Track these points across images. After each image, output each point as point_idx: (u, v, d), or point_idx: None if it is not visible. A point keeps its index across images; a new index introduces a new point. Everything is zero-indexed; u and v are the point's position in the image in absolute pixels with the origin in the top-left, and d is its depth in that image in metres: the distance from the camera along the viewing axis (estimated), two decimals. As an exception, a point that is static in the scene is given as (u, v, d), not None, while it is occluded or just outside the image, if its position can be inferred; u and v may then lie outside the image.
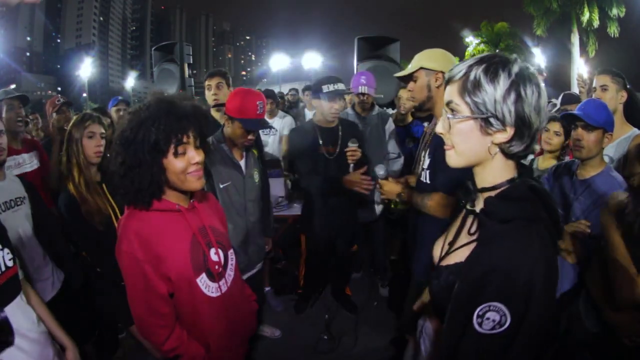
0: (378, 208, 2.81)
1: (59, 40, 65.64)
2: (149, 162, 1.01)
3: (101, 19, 71.17)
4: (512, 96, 0.70)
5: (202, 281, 1.10)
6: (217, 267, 1.14)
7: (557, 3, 17.74)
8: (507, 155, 0.75)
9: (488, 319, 0.68)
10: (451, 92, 0.76)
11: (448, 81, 0.78)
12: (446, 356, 0.76)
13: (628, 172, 1.55)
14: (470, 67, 0.73)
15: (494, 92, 0.70)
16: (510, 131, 0.71)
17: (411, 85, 1.69)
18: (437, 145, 1.53)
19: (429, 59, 1.61)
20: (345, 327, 2.55)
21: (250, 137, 1.86)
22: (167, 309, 1.08)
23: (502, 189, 0.76)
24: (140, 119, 1.02)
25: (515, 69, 0.71)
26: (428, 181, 1.61)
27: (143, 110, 1.05)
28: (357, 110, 2.82)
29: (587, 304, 1.37)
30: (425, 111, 2.06)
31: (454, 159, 0.78)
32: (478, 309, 0.68)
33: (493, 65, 0.71)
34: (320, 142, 2.35)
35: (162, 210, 1.08)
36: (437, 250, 0.93)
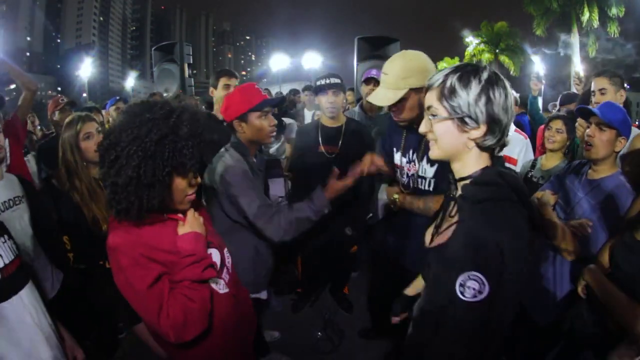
0: (380, 211, 2.80)
1: (59, 41, 65.55)
2: (166, 183, 0.92)
3: (101, 19, 71.15)
4: (483, 99, 0.82)
5: (211, 279, 1.08)
6: (217, 267, 1.13)
7: (557, 3, 17.77)
8: (482, 148, 0.88)
9: (469, 287, 0.77)
10: (430, 98, 0.89)
11: (427, 88, 0.90)
12: (431, 324, 0.87)
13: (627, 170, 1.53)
14: (446, 76, 0.86)
15: (467, 97, 0.83)
16: (483, 128, 0.84)
17: (397, 106, 1.52)
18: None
19: (415, 76, 1.45)
20: (344, 327, 2.55)
21: (272, 119, 1.68)
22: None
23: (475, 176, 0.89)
24: (163, 131, 0.89)
25: (485, 75, 0.83)
26: (431, 189, 1.59)
27: (164, 116, 0.91)
28: (365, 108, 2.80)
29: (589, 304, 1.36)
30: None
31: (436, 151, 0.92)
32: (459, 279, 0.78)
33: (465, 74, 0.84)
34: (321, 140, 2.30)
35: (151, 222, 0.98)
36: (428, 237, 1.04)
